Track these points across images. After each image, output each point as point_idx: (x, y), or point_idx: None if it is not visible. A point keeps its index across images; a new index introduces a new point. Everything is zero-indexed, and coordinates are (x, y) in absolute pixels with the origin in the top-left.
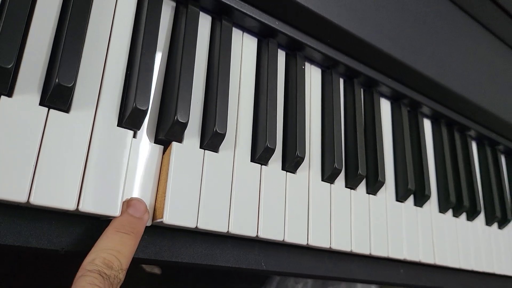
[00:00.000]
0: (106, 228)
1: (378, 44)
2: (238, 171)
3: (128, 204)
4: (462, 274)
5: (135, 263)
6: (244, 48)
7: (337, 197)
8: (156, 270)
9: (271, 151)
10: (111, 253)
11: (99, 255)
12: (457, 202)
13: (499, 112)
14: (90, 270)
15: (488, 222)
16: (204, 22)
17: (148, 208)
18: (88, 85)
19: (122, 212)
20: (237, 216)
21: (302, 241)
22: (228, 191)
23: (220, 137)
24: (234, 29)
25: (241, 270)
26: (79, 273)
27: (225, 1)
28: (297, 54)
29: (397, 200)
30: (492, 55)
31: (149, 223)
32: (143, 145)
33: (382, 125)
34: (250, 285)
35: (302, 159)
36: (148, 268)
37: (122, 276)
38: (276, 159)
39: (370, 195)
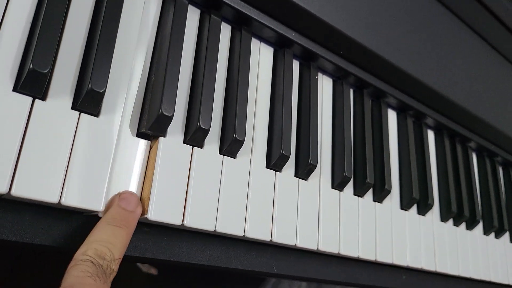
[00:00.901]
0: (99, 221)
1: (388, 56)
2: (254, 177)
3: (120, 197)
4: (461, 282)
5: (155, 264)
6: (261, 57)
7: (346, 204)
8: (153, 271)
9: (286, 158)
10: (103, 244)
11: (91, 246)
12: (458, 212)
13: (498, 125)
14: (83, 260)
15: (486, 232)
16: (225, 32)
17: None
18: (116, 90)
19: (114, 205)
20: (253, 220)
21: (313, 246)
22: (244, 196)
23: (239, 143)
24: (252, 39)
25: (253, 273)
26: (71, 264)
27: (245, 12)
28: (311, 64)
29: (402, 208)
30: (493, 70)
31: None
32: (175, 147)
33: (389, 135)
34: (246, 287)
35: (315, 166)
36: (144, 268)
37: (115, 266)
38: (289, 166)
39: (377, 203)
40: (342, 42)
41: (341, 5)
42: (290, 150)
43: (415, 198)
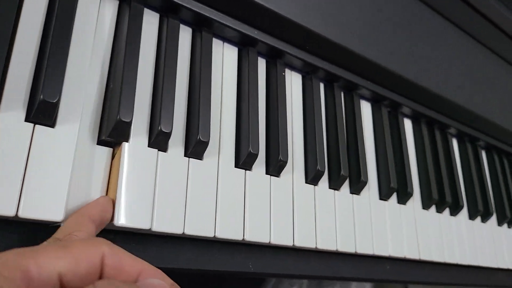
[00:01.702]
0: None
1: (355, 48)
2: (222, 177)
3: (96, 201)
4: (448, 268)
5: None
6: (225, 58)
7: (321, 198)
8: None
9: (254, 156)
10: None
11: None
12: (440, 198)
13: (477, 109)
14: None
15: (471, 217)
16: (185, 35)
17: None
18: (73, 99)
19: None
20: (223, 220)
21: (289, 243)
22: (213, 197)
23: (204, 145)
24: (214, 39)
25: (229, 273)
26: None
27: (204, 13)
28: (277, 62)
29: (381, 198)
30: (468, 55)
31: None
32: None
33: (364, 126)
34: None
35: (285, 162)
36: None
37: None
38: (260, 164)
39: (354, 195)
40: (307, 37)
41: (303, 1)
42: (258, 148)
43: (393, 188)
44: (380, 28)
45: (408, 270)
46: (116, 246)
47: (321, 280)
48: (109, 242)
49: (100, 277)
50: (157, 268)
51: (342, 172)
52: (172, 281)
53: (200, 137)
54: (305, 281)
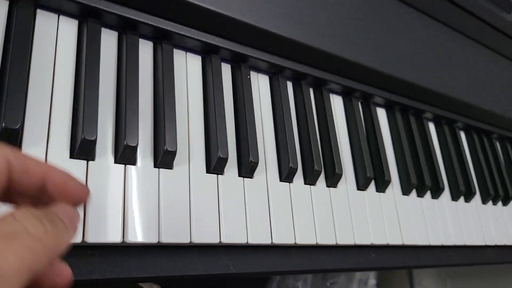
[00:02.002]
0: None
1: (316, 44)
2: (194, 183)
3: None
4: (433, 250)
5: (106, 284)
6: (188, 67)
7: (297, 194)
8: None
9: (224, 160)
10: None
11: None
12: (419, 183)
13: (449, 92)
14: None
15: (454, 198)
16: (146, 48)
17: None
18: (37, 123)
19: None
20: (198, 225)
21: (267, 241)
22: (186, 203)
23: (172, 154)
24: (177, 50)
25: (210, 277)
26: None
27: (163, 27)
28: (241, 66)
29: (359, 189)
30: (432, 36)
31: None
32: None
33: (336, 120)
34: (251, 287)
35: (256, 163)
36: (146, 286)
37: None
38: (232, 167)
39: (331, 188)
40: (267, 39)
41: (258, 4)
42: (227, 152)
43: (370, 177)
44: (340, 22)
45: (394, 256)
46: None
47: (326, 273)
48: (11, 148)
49: (8, 182)
50: (61, 169)
51: (315, 167)
52: (82, 185)
53: (167, 147)
54: (309, 276)
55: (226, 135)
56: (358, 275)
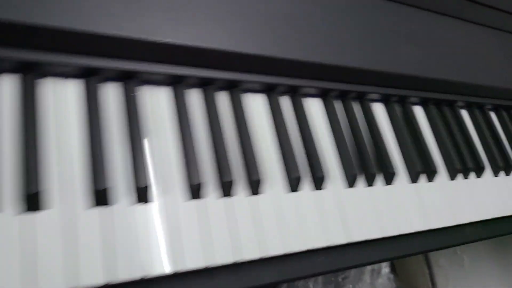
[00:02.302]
0: None
1: (214, 45)
2: (78, 220)
3: None
4: (398, 241)
5: None
6: (69, 94)
7: (209, 210)
8: None
9: (107, 190)
10: None
11: None
12: (365, 172)
13: (385, 68)
14: None
15: (414, 180)
16: (10, 82)
17: None
18: None
19: None
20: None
21: (166, 270)
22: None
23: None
24: (53, 79)
25: None
26: None
27: (28, 58)
28: (128, 82)
29: (292, 191)
30: (358, 12)
31: None
32: None
33: (254, 122)
34: None
35: (146, 187)
36: None
37: None
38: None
39: (252, 197)
40: (150, 49)
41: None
42: (104, 183)
43: (298, 177)
44: (243, 18)
45: (345, 256)
46: None
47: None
48: None
49: None
50: None
51: (225, 179)
52: None
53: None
54: (320, 276)
55: (104, 165)
56: (369, 267)
